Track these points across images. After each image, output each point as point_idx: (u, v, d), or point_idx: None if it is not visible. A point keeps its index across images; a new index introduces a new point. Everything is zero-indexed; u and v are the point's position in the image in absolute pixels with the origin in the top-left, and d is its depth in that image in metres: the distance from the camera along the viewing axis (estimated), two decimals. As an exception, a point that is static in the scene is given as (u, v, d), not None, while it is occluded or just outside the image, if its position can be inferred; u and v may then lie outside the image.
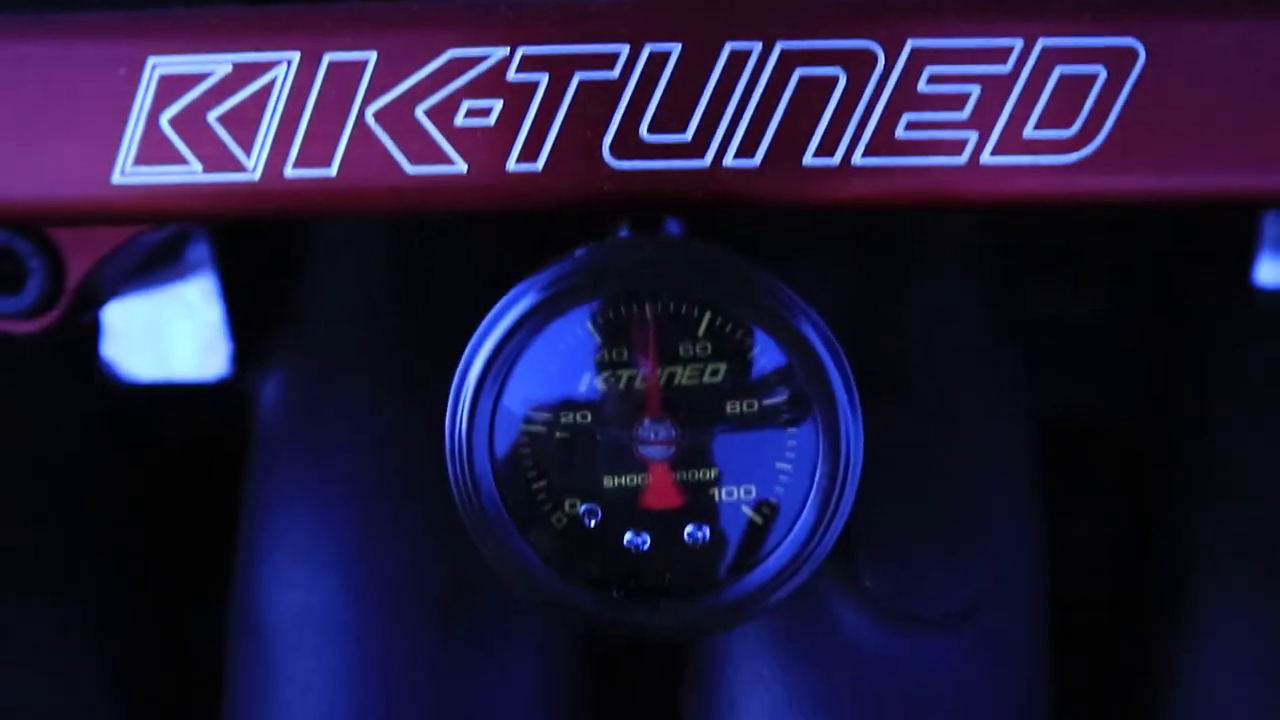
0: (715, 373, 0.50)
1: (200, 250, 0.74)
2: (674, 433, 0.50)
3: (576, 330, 0.50)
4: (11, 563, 0.72)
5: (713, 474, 0.50)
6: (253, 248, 0.75)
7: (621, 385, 0.50)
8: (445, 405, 0.50)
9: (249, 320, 0.76)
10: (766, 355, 0.50)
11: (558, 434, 0.50)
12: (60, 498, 0.74)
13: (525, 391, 0.50)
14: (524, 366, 0.50)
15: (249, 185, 0.51)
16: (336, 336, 0.69)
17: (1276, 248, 0.73)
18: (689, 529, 0.50)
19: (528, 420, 0.50)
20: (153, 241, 0.61)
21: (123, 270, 0.60)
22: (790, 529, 0.50)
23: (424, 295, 0.68)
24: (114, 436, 0.77)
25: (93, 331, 0.75)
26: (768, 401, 0.50)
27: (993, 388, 0.66)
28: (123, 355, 0.76)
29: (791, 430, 0.50)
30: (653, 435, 0.50)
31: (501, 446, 0.50)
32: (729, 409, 0.50)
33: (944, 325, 0.67)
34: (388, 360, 0.67)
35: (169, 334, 0.76)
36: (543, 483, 0.50)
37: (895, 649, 0.60)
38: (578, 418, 0.50)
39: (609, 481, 0.50)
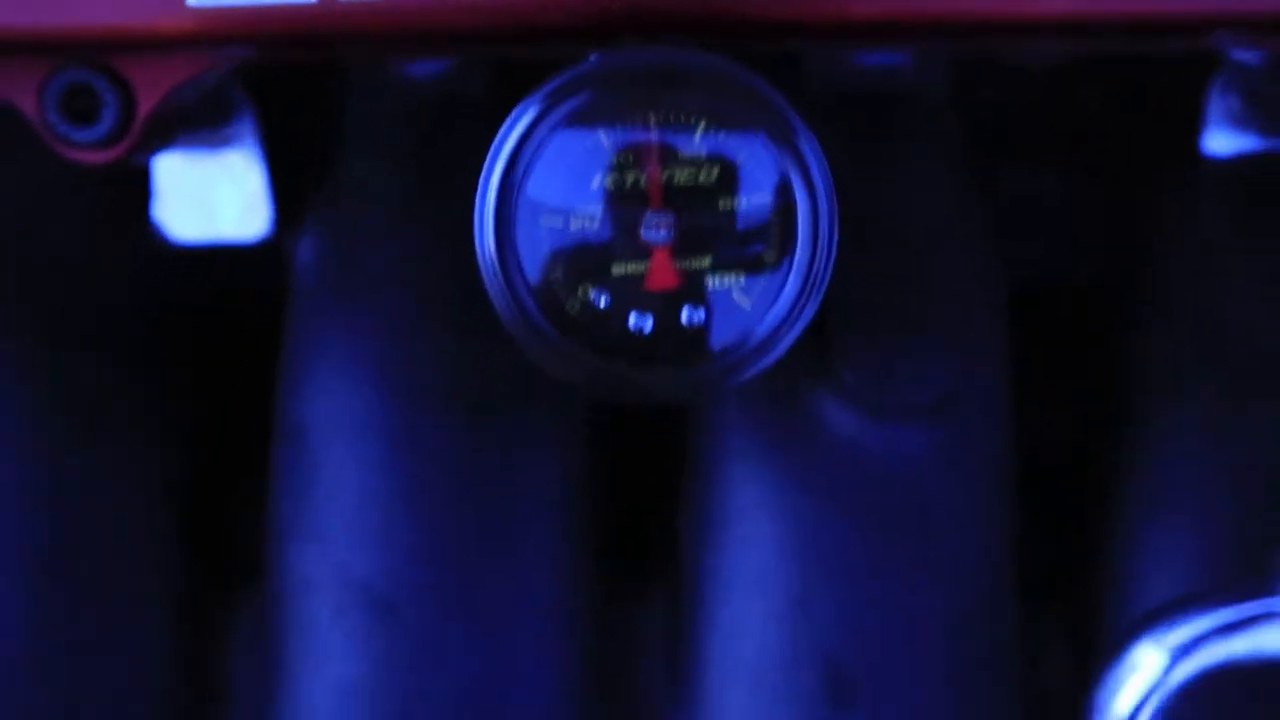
0: (710, 174, 0.57)
1: (245, 122, 0.81)
2: (673, 219, 0.57)
3: (587, 137, 0.57)
4: (79, 406, 0.78)
5: (707, 262, 0.58)
6: (293, 117, 0.82)
7: (628, 183, 0.57)
8: (469, 244, 0.58)
9: (288, 185, 0.82)
10: (755, 158, 0.57)
11: (572, 226, 0.57)
12: (117, 347, 0.81)
13: (543, 189, 0.57)
14: (541, 167, 0.57)
15: (308, 7, 0.59)
16: (368, 201, 0.77)
17: (1220, 121, 0.80)
18: (686, 311, 0.58)
19: (546, 214, 0.57)
20: (210, 84, 0.68)
21: (185, 110, 0.68)
22: (772, 305, 0.58)
23: (451, 161, 0.75)
24: (163, 290, 0.84)
25: (143, 193, 0.83)
26: (757, 197, 0.57)
27: (962, 233, 0.73)
28: (171, 217, 0.83)
29: (776, 224, 0.58)
30: (654, 223, 0.57)
31: (523, 238, 0.57)
32: (722, 205, 0.57)
33: (918, 190, 0.74)
34: (418, 213, 0.75)
35: (215, 198, 0.82)
36: (559, 270, 0.58)
37: (873, 441, 0.67)
38: (589, 211, 0.57)
39: (616, 269, 0.57)
